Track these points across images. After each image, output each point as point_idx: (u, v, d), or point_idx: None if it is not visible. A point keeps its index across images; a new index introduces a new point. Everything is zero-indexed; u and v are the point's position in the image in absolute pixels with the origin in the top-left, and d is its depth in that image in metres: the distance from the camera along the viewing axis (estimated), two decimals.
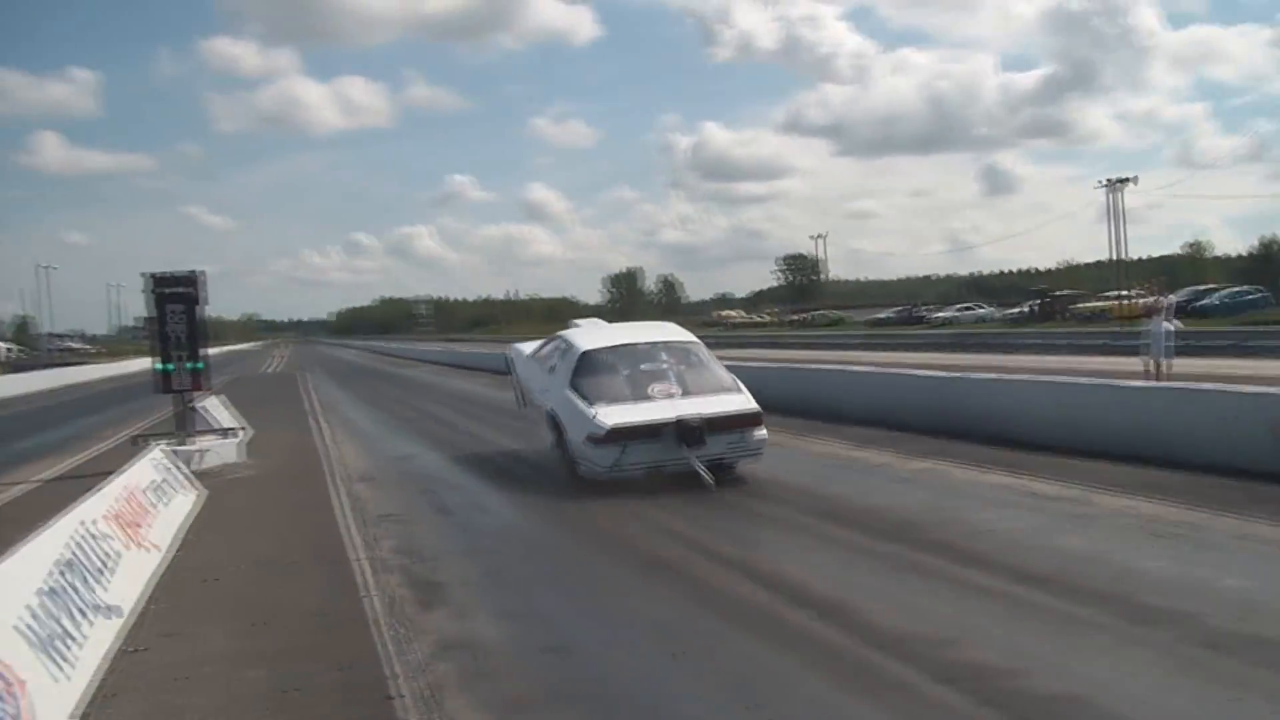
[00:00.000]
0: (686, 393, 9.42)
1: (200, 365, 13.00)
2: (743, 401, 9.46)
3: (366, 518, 8.96)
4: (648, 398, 9.29)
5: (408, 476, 11.63)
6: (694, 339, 10.77)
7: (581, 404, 9.27)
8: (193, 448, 12.39)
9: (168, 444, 11.75)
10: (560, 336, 10.93)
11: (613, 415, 8.99)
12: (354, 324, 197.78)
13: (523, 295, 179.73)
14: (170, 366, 12.84)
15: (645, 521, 8.13)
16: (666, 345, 10.29)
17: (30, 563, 4.88)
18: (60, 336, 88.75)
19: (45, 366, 55.09)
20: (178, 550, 7.76)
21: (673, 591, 6.17)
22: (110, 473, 8.24)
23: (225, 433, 13.81)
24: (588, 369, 9.65)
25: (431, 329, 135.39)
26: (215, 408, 15.83)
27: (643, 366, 9.71)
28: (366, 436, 16.63)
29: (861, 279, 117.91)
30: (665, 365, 9.79)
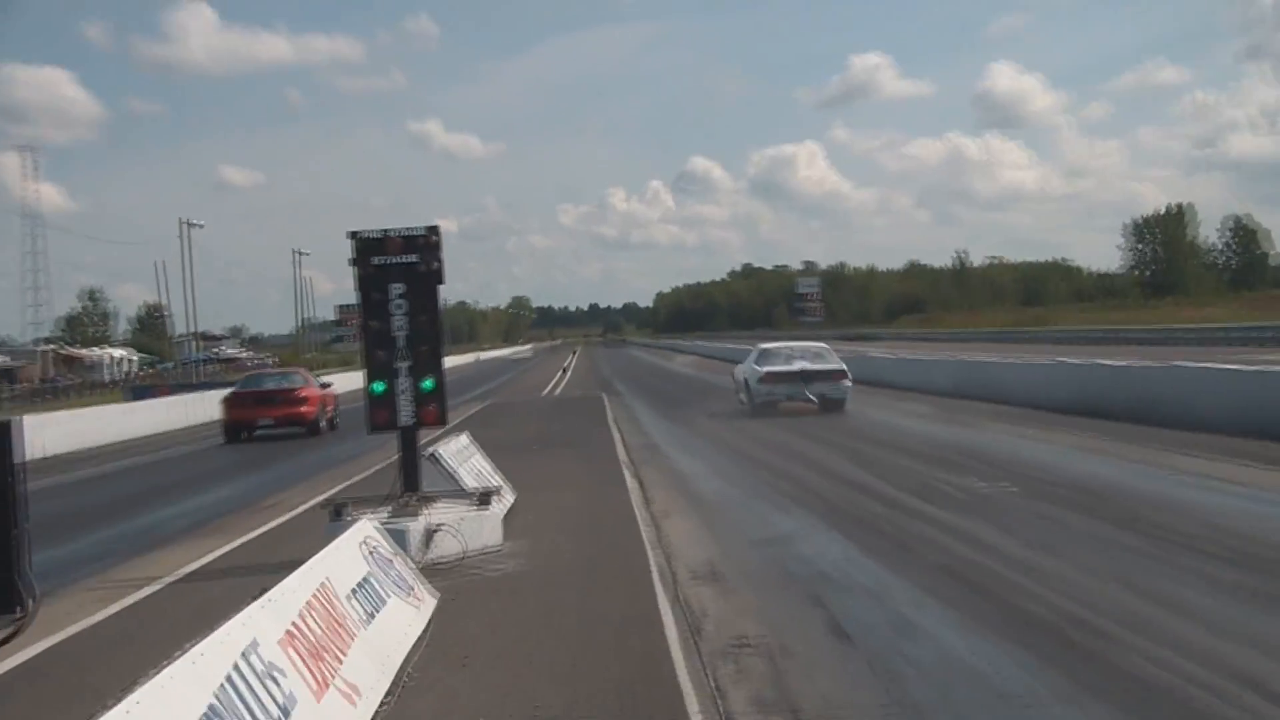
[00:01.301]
0: (809, 363, 34.46)
1: (432, 384, 13.77)
2: (836, 364, 34.19)
3: (710, 644, 9.31)
4: (789, 364, 34.50)
5: (780, 572, 12.09)
6: (824, 345, 37.58)
7: (758, 367, 34.82)
8: (421, 521, 13.16)
9: (380, 516, 12.50)
10: (755, 346, 40.14)
11: (769, 368, 34.61)
12: (687, 311, 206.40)
13: (975, 260, 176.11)
14: (381, 386, 13.66)
15: (1176, 645, 8.60)
16: (804, 347, 36.90)
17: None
18: (214, 339, 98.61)
19: (183, 389, 61.69)
20: (390, 695, 8.19)
21: None
22: (289, 565, 8.82)
23: (474, 497, 14.54)
24: (763, 354, 35.96)
25: (821, 318, 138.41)
26: (459, 454, 16.78)
27: (789, 353, 35.61)
28: (708, 503, 17.29)
29: None
30: (801, 354, 35.36)
